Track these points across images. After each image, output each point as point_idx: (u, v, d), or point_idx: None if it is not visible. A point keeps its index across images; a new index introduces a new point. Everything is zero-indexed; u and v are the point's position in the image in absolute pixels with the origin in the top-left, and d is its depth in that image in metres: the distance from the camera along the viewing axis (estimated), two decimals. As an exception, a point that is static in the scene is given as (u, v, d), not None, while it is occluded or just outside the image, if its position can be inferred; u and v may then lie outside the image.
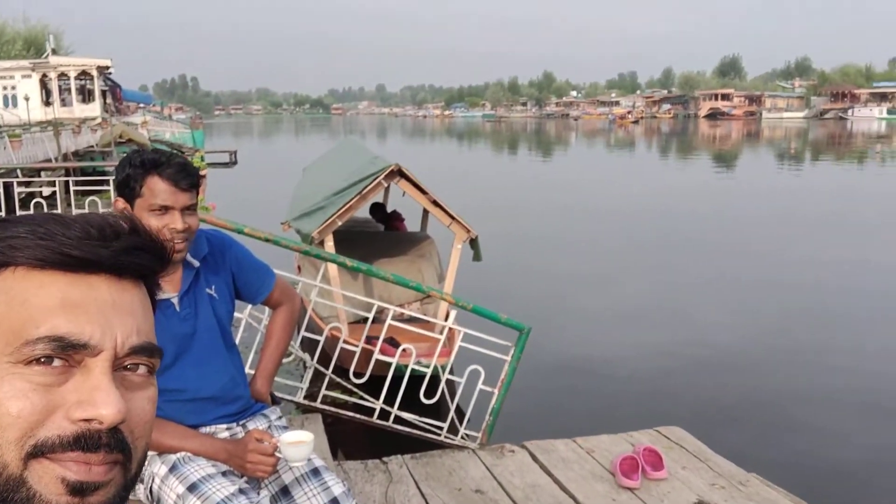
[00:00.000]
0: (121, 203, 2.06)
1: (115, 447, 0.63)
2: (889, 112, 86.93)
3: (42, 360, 0.62)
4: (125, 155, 2.14)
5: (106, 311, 0.65)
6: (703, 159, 37.60)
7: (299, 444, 2.08)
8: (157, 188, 2.00)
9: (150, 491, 2.11)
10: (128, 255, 0.66)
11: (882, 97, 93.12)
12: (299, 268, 7.60)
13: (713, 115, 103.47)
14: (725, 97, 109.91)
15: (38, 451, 0.61)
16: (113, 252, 0.65)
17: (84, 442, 0.61)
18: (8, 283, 0.63)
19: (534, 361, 5.01)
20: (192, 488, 2.00)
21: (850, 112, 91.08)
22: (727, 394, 6.48)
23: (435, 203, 6.24)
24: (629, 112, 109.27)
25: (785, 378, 6.84)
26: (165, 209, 2.00)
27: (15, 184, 8.53)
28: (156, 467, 2.09)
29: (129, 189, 2.03)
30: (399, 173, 6.11)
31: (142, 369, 0.67)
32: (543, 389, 6.28)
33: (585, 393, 6.41)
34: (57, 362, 0.62)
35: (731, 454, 4.01)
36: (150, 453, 2.11)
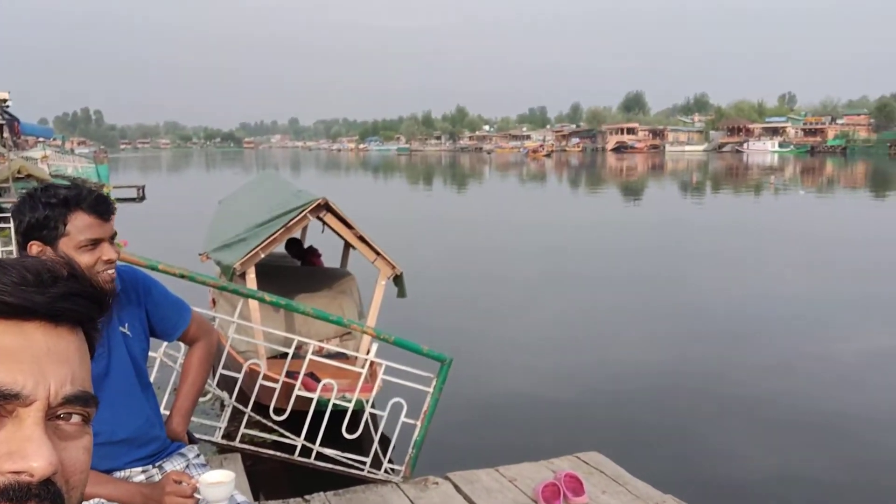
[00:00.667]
0: (36, 247, 1.95)
1: (46, 498, 0.61)
2: (780, 145, 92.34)
3: None
4: (24, 196, 2.01)
5: (40, 359, 0.63)
6: (612, 191, 38.87)
7: (219, 483, 2.03)
8: (84, 223, 1.94)
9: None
10: (65, 301, 0.65)
11: (774, 131, 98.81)
12: (214, 301, 7.42)
13: (620, 149, 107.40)
14: (631, 131, 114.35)
15: None
16: (49, 298, 0.63)
17: (12, 494, 0.59)
18: None
19: (456, 392, 5.04)
20: (105, 535, 1.92)
21: (745, 145, 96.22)
22: (643, 418, 6.66)
23: (361, 238, 6.22)
24: (541, 146, 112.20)
25: (696, 401, 7.08)
26: (95, 243, 1.95)
27: None
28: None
29: (48, 230, 1.93)
30: (325, 207, 6.06)
31: (76, 418, 0.65)
32: (466, 420, 6.30)
33: (507, 422, 6.46)
34: None
35: (648, 477, 4.12)
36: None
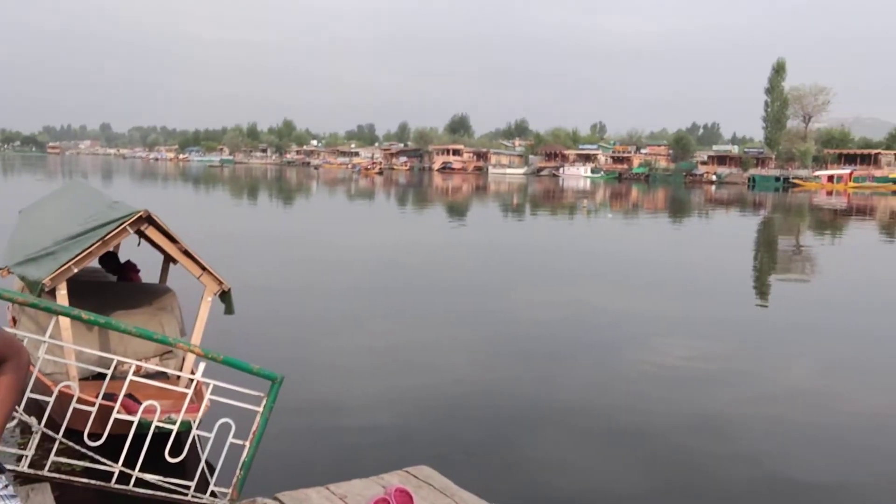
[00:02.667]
0: None
1: None
2: (593, 171, 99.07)
3: None
4: None
5: None
6: (439, 210, 39.81)
7: None
8: None
9: None
10: None
11: (586, 158, 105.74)
12: (14, 320, 6.79)
13: (445, 169, 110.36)
14: (456, 152, 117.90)
15: None
16: None
17: None
18: None
19: (287, 411, 4.96)
20: None
21: (561, 170, 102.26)
22: (470, 431, 6.87)
23: (186, 253, 5.95)
24: (374, 163, 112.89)
25: (519, 414, 7.41)
26: None
27: None
28: None
29: None
30: (147, 220, 5.74)
31: None
32: (296, 439, 6.20)
33: (337, 439, 6.42)
34: None
35: (475, 488, 4.28)
36: None
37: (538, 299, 13.62)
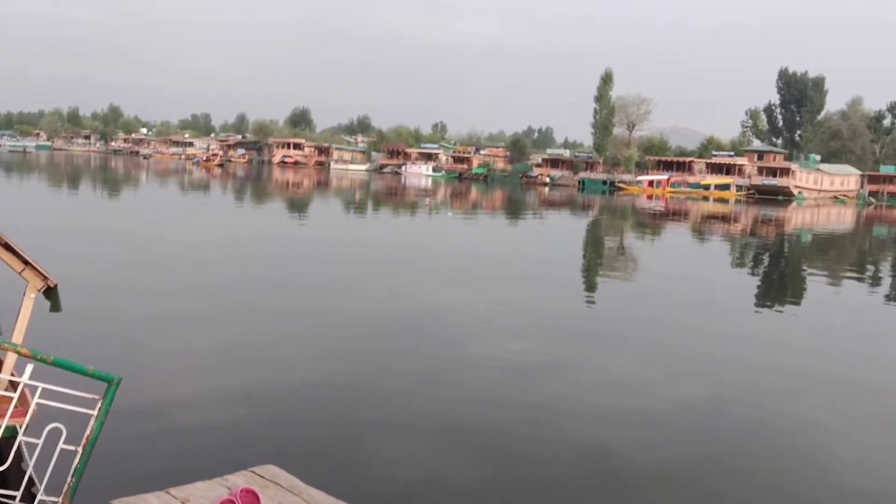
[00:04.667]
0: None
1: None
2: (434, 170, 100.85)
3: None
4: None
5: None
6: (279, 205, 38.99)
7: None
8: None
9: None
10: None
11: (428, 157, 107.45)
12: None
13: (287, 162, 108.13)
14: (297, 146, 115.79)
15: None
16: None
17: None
18: None
19: (123, 414, 4.72)
20: None
21: (403, 168, 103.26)
22: (315, 428, 6.84)
23: (5, 246, 5.46)
24: (214, 154, 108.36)
25: (362, 410, 7.45)
26: None
27: None
28: None
29: None
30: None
31: None
32: (134, 442, 5.90)
33: (178, 441, 6.17)
34: None
35: (323, 485, 4.29)
36: None
37: (380, 296, 13.74)
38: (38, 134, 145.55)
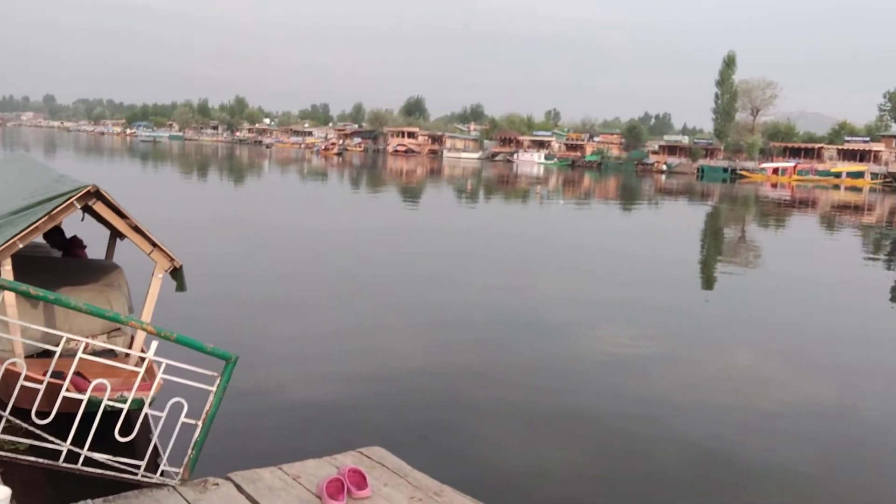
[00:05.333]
0: None
1: None
2: (546, 158, 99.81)
3: None
4: None
5: None
6: (395, 193, 39.67)
7: None
8: None
9: None
10: None
11: (540, 144, 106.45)
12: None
13: (401, 151, 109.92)
14: (411, 135, 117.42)
15: None
16: None
17: None
18: None
19: (239, 391, 4.92)
20: None
21: (515, 156, 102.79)
22: (421, 412, 6.93)
23: (136, 228, 5.83)
24: (333, 143, 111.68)
25: (470, 397, 7.48)
26: None
27: None
28: None
29: None
30: (96, 195, 5.60)
31: None
32: (249, 419, 6.16)
33: (291, 420, 6.40)
34: None
35: (427, 468, 4.33)
36: None
37: (489, 284, 13.73)
38: (170, 125, 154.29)
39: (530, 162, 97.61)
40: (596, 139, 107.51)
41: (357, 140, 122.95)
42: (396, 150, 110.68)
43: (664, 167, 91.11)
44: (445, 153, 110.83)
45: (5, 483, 3.17)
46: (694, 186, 62.63)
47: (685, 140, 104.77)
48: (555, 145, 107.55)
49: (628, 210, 36.64)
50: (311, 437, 5.94)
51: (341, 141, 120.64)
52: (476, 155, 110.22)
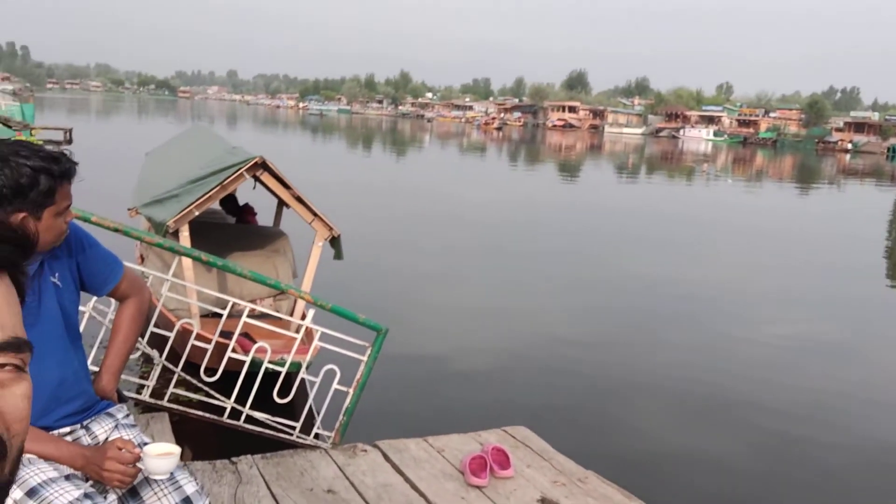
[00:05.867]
0: (20, 216, 1.90)
1: None
2: (715, 134, 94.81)
3: None
4: (11, 163, 1.89)
5: None
6: (553, 168, 39.28)
7: (165, 456, 1.99)
8: (66, 191, 1.98)
9: (-18, 496, 1.95)
10: None
11: (709, 120, 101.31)
12: (142, 257, 7.21)
13: (560, 126, 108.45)
14: (572, 109, 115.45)
15: None
16: None
17: None
18: None
19: (389, 361, 5.04)
20: (31, 493, 1.87)
21: (681, 132, 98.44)
22: (569, 394, 6.82)
23: (298, 198, 6.12)
24: (493, 118, 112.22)
25: (619, 380, 7.29)
26: (68, 207, 2.01)
27: None
28: (-11, 470, 1.94)
29: (39, 201, 1.91)
30: (262, 166, 5.93)
31: (12, 365, 0.63)
32: (397, 389, 6.33)
33: (438, 393, 6.52)
34: None
35: (571, 452, 4.23)
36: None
37: (646, 267, 13.25)
38: (339, 98, 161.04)
39: (697, 138, 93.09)
40: (772, 115, 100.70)
41: (517, 115, 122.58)
42: (556, 125, 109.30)
43: (849, 146, 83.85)
44: (606, 128, 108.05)
45: (176, 433, 3.43)
46: (882, 168, 57.25)
47: (875, 117, 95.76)
48: (725, 121, 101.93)
49: (805, 192, 34.11)
50: (456, 411, 6.00)
51: (501, 115, 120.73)
52: (639, 130, 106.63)
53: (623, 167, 43.19)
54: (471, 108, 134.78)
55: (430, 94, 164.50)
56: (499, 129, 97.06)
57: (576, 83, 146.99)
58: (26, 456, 1.95)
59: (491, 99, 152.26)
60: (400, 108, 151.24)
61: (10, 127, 19.21)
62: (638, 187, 31.77)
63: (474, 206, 20.06)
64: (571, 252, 14.17)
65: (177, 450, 2.03)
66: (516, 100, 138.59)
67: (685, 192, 31.20)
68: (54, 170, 1.95)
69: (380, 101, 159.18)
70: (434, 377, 6.94)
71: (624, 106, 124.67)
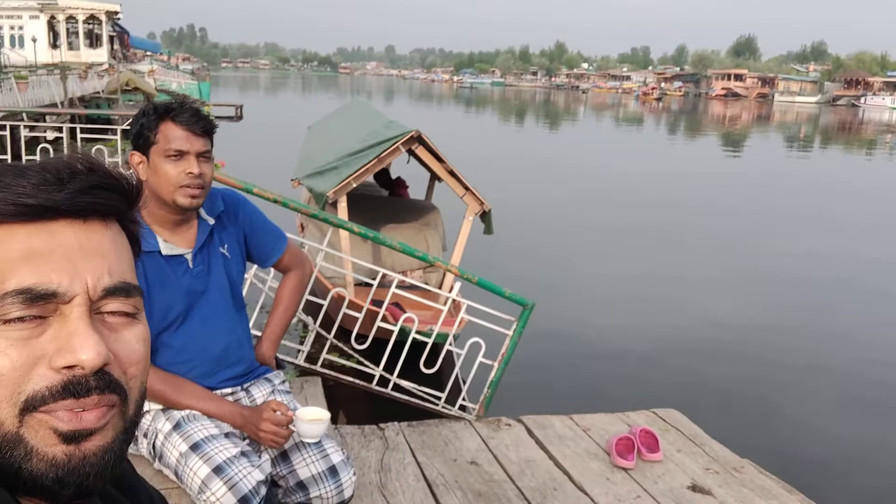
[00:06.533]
0: (136, 157, 2.04)
1: (107, 389, 0.63)
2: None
3: (18, 317, 0.61)
4: (140, 109, 2.11)
5: (72, 256, 0.63)
6: (715, 140, 37.34)
7: (316, 421, 2.07)
8: (172, 134, 1.99)
9: (153, 447, 2.12)
10: (85, 195, 0.64)
11: (895, 87, 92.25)
12: (302, 227, 7.57)
13: (724, 95, 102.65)
14: (738, 77, 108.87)
15: (30, 406, 0.60)
16: (69, 194, 0.63)
17: (72, 389, 0.61)
18: None
19: (534, 337, 5.00)
20: (195, 447, 2.01)
21: (862, 100, 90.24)
22: (725, 379, 6.49)
23: (451, 172, 6.19)
24: (653, 88, 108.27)
25: (782, 366, 6.85)
26: (181, 154, 1.99)
27: (21, 127, 8.47)
28: (160, 423, 2.10)
29: (143, 139, 2.01)
30: (418, 140, 6.04)
31: (123, 310, 0.66)
32: (542, 365, 6.29)
33: (584, 371, 6.42)
34: (31, 315, 0.61)
35: (726, 439, 4.02)
36: (155, 408, 2.11)
37: (815, 246, 12.31)
38: (493, 71, 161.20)
39: (881, 107, 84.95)
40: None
41: (677, 84, 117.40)
42: (719, 95, 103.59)
43: None
44: (777, 97, 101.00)
45: (328, 397, 3.57)
46: None
47: None
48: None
49: None
50: (603, 390, 5.88)
51: (661, 85, 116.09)
52: (813, 99, 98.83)
53: (793, 138, 40.29)
54: (628, 77, 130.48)
55: (585, 65, 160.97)
56: (658, 99, 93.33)
57: (743, 49, 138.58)
58: (192, 412, 2.09)
59: (650, 68, 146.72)
60: (554, 79, 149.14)
61: (189, 104, 20.69)
62: (811, 160, 29.53)
63: (628, 181, 19.46)
64: (732, 228, 13.42)
65: (326, 415, 2.11)
66: (677, 69, 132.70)
67: (865, 165, 28.66)
68: (148, 110, 2.03)
69: (534, 73, 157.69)
70: (580, 354, 6.83)
71: (797, 73, 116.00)
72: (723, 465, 3.74)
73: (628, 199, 16.17)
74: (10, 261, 0.61)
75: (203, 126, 2.03)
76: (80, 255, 0.63)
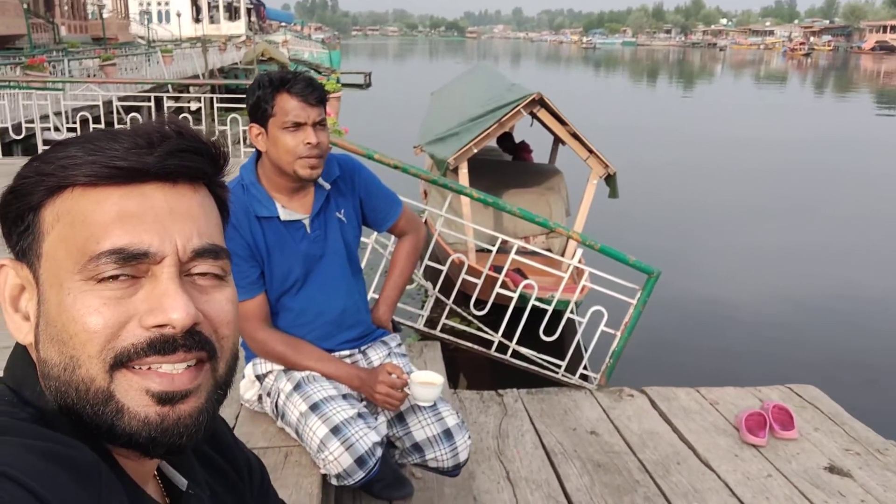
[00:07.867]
0: (255, 129, 2.08)
1: (194, 347, 0.64)
2: None
3: (111, 276, 0.63)
4: (254, 81, 2.13)
5: (162, 217, 0.65)
6: (864, 100, 34.57)
7: (429, 385, 2.08)
8: (288, 105, 2.01)
9: (276, 406, 2.21)
10: (174, 158, 0.65)
11: None
12: (425, 193, 7.64)
13: (879, 49, 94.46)
14: (895, 29, 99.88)
15: (119, 362, 0.62)
16: (158, 157, 0.65)
17: (159, 346, 0.63)
18: (68, 205, 0.64)
19: (658, 307, 4.83)
20: (314, 407, 2.07)
21: None
22: (869, 354, 6.03)
23: (574, 135, 6.03)
24: (802, 43, 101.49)
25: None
26: (298, 126, 2.02)
27: (165, 98, 8.98)
28: (281, 383, 2.18)
29: (260, 111, 2.05)
30: (540, 102, 5.92)
31: (212, 272, 0.67)
32: (667, 336, 6.07)
33: (711, 343, 6.14)
34: (124, 275, 0.63)
35: (869, 419, 3.74)
36: (277, 369, 2.19)
37: None
38: (624, 31, 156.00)
39: None
40: None
41: (826, 38, 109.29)
42: (874, 49, 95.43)
43: None
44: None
45: (447, 362, 3.60)
46: None
47: None
48: None
49: None
50: (733, 363, 5.60)
51: (809, 39, 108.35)
52: None
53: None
54: (771, 32, 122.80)
55: (724, 21, 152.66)
56: (807, 55, 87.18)
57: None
58: (311, 373, 2.15)
59: (796, 22, 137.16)
60: (689, 37, 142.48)
61: (319, 72, 21.35)
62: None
63: (760, 145, 18.34)
64: (881, 198, 12.39)
65: (440, 380, 2.11)
66: (826, 21, 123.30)
67: None
68: (263, 82, 2.04)
69: (668, 32, 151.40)
70: (707, 326, 6.54)
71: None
72: (865, 446, 3.49)
73: (765, 164, 15.25)
74: (104, 222, 0.63)
75: (317, 96, 2.05)
76: (170, 218, 0.65)
